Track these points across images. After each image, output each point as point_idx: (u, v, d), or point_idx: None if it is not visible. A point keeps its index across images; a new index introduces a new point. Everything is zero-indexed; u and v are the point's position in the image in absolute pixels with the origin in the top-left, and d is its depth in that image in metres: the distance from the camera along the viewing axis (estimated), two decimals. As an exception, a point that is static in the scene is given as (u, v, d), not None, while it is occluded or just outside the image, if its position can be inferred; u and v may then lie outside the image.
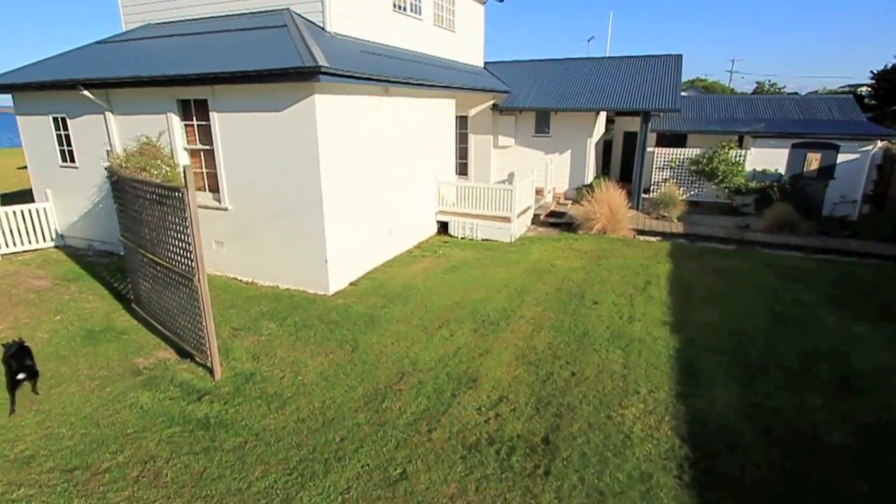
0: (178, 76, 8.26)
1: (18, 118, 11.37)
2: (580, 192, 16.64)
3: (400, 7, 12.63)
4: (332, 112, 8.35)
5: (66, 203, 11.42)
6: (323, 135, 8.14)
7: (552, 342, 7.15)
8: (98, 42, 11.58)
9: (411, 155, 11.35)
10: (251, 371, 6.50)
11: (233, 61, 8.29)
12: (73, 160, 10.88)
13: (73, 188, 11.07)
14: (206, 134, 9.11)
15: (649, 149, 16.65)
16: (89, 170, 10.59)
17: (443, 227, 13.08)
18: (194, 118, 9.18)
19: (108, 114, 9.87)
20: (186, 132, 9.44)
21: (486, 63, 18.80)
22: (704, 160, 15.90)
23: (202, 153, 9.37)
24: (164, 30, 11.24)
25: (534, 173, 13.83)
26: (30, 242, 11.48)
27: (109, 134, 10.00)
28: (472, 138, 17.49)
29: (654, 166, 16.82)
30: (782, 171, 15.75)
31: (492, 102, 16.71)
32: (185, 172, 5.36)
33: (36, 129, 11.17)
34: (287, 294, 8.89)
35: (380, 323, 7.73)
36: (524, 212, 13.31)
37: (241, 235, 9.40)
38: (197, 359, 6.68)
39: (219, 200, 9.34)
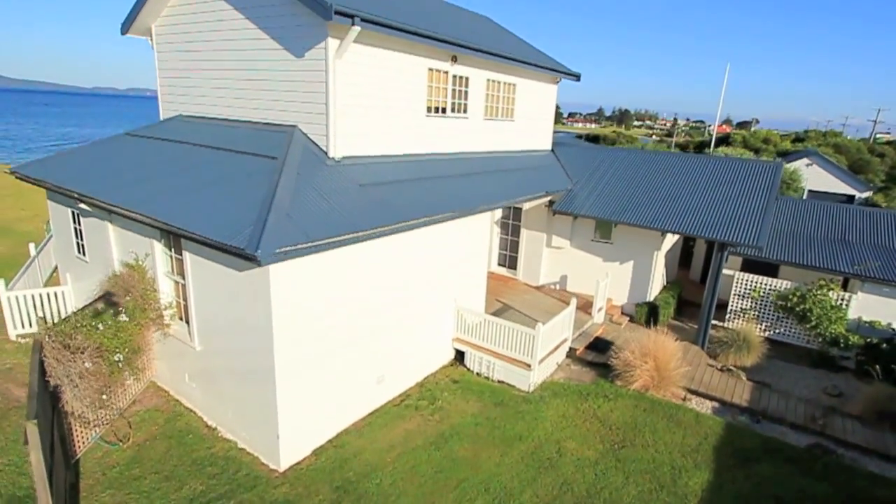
0: (148, 217, 7.66)
1: (49, 202, 11.59)
2: (640, 310, 14.48)
3: (438, 110, 11.49)
4: (299, 276, 7.27)
5: (81, 286, 11.38)
6: (280, 309, 7.07)
7: None
8: (128, 133, 11.55)
9: (421, 288, 10.04)
10: None
11: (199, 205, 7.57)
12: (84, 254, 10.81)
13: (85, 279, 10.99)
14: (182, 267, 8.45)
15: (728, 271, 14.13)
16: (95, 267, 10.40)
17: (459, 355, 11.64)
18: (172, 249, 8.58)
19: (109, 224, 9.59)
20: (171, 259, 8.86)
21: (555, 135, 17.25)
22: (795, 298, 13.10)
23: (181, 285, 8.74)
24: (184, 129, 10.95)
25: (573, 304, 11.97)
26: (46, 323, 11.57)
27: (109, 242, 9.72)
28: (524, 233, 15.92)
29: (733, 292, 14.21)
30: (900, 326, 12.58)
31: (548, 199, 15.06)
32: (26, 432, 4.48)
33: (60, 217, 11.30)
34: (237, 461, 7.90)
35: (307, 547, 6.48)
36: (555, 350, 11.50)
37: (208, 378, 8.62)
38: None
39: (190, 337, 8.63)
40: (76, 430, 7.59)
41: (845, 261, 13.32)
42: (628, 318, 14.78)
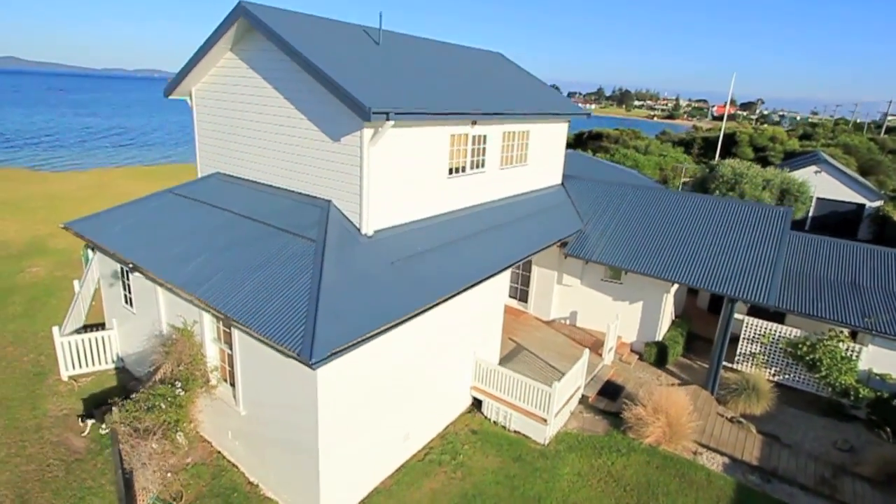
0: (203, 302, 8.37)
1: (98, 253, 12.37)
2: (649, 350, 14.99)
3: (458, 170, 12.03)
4: (340, 360, 7.93)
5: (126, 331, 12.21)
6: (325, 394, 7.75)
7: None
8: (171, 191, 12.22)
9: (445, 346, 10.67)
10: None
11: (249, 293, 8.24)
12: (131, 305, 11.58)
13: (130, 325, 11.81)
14: (230, 339, 9.13)
15: (738, 316, 14.52)
16: (142, 319, 11.19)
17: (477, 402, 12.28)
18: (220, 322, 9.27)
19: (158, 287, 10.30)
20: (219, 330, 9.55)
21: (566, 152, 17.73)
22: (805, 347, 13.50)
23: (228, 353, 9.44)
24: (225, 192, 11.58)
25: (586, 355, 12.50)
26: (93, 364, 12.46)
27: (158, 304, 10.44)
28: (535, 270, 16.44)
29: (743, 335, 14.62)
30: (910, 380, 12.92)
31: (559, 241, 15.54)
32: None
33: (109, 268, 12.07)
34: (279, 522, 8.66)
35: None
36: (569, 399, 12.09)
37: (251, 440, 9.35)
38: None
39: (235, 400, 9.35)
40: (139, 496, 8.39)
41: (855, 312, 13.57)
42: (638, 356, 15.28)
